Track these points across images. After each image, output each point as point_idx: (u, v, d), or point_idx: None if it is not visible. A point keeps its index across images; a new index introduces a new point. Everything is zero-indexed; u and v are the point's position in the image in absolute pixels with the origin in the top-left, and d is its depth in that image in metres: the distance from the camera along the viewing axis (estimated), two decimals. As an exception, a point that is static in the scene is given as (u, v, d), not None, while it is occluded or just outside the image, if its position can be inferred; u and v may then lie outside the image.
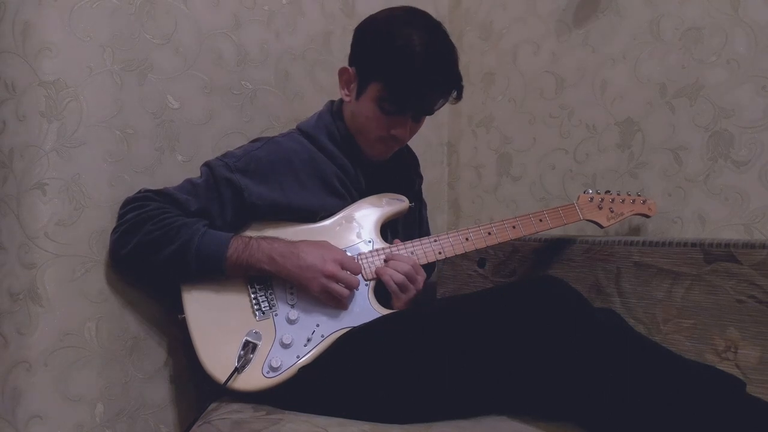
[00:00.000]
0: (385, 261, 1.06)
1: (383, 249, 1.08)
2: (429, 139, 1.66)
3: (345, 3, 1.47)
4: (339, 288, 1.00)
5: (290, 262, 0.99)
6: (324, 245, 1.03)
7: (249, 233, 1.04)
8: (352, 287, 1.02)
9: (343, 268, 1.01)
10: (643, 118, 1.29)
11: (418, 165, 1.29)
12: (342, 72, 1.10)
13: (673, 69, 1.24)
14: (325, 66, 1.43)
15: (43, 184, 0.98)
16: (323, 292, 1.00)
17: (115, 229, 1.02)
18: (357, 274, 1.03)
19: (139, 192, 1.04)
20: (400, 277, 1.04)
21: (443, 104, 1.08)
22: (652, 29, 1.28)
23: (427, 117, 1.12)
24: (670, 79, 1.25)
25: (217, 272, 0.99)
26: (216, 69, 1.23)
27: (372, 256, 1.07)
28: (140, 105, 1.11)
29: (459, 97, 1.08)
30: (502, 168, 1.57)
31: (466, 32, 1.65)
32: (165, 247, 0.97)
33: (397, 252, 1.08)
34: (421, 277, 1.07)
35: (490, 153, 1.60)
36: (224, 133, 1.24)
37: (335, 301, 1.01)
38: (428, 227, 1.34)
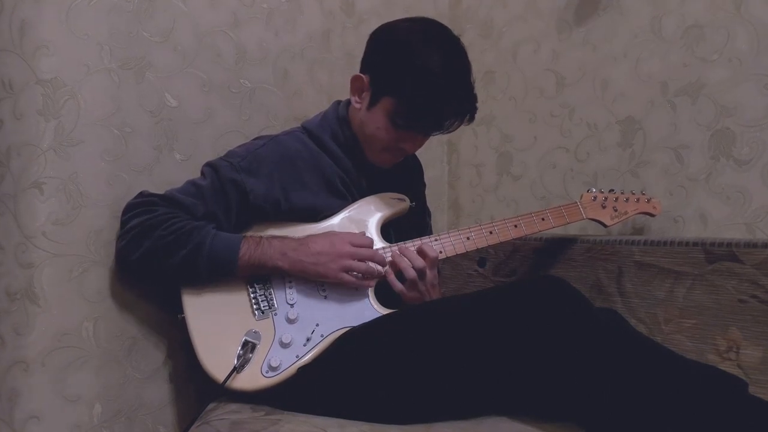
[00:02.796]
0: (418, 251, 1.06)
1: (384, 248, 1.08)
2: (429, 139, 1.65)
3: (344, 1, 1.46)
4: (357, 264, 1.00)
5: (302, 253, 0.99)
6: (331, 233, 1.04)
7: (251, 234, 1.04)
8: (369, 259, 1.02)
9: (354, 245, 1.02)
10: (645, 116, 1.29)
11: (422, 172, 1.29)
12: (355, 79, 1.08)
13: (674, 67, 1.24)
14: (324, 64, 1.42)
15: (41, 183, 0.97)
16: (342, 271, 1.00)
17: (122, 235, 1.01)
18: (370, 247, 1.03)
19: (141, 196, 1.03)
20: (412, 273, 1.03)
21: (458, 126, 1.07)
22: (653, 27, 1.27)
23: None
24: (672, 77, 1.24)
25: (229, 274, 0.99)
26: (215, 67, 1.22)
27: (372, 256, 1.06)
28: (138, 103, 1.10)
29: (472, 119, 1.08)
30: (503, 167, 1.57)
31: (466, 30, 1.64)
32: (176, 252, 0.97)
33: (429, 242, 1.07)
34: (432, 274, 1.06)
35: (491, 152, 1.60)
36: (223, 131, 1.23)
37: (358, 280, 1.01)
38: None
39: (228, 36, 1.25)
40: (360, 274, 1.02)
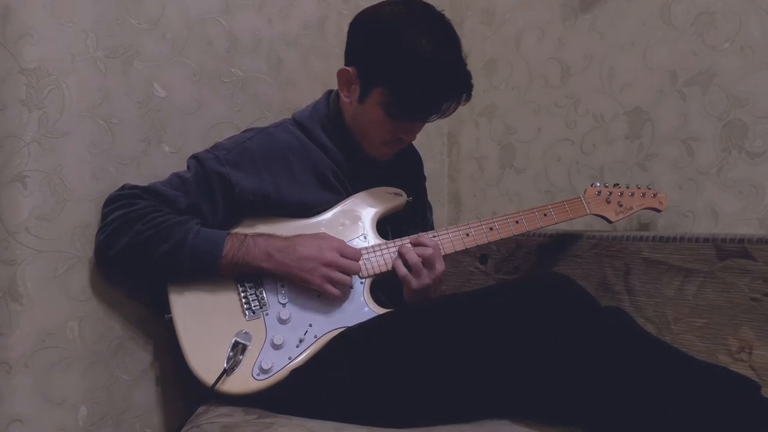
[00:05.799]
0: (417, 242, 1.03)
1: (380, 245, 1.05)
2: (428, 130, 1.63)
3: (341, -12, 1.45)
4: (340, 276, 0.98)
5: (287, 255, 0.97)
6: (321, 236, 1.02)
7: (240, 230, 1.02)
8: (353, 274, 1.00)
9: (343, 255, 0.99)
10: (653, 107, 1.27)
11: (421, 164, 1.26)
12: (341, 73, 1.05)
13: (684, 56, 1.22)
14: (319, 53, 1.40)
15: (24, 176, 0.96)
16: (325, 281, 0.97)
17: (101, 228, 0.99)
18: (357, 260, 1.01)
19: (123, 189, 1.01)
20: (414, 258, 1.00)
21: (455, 108, 1.04)
22: (662, 14, 1.25)
23: None
24: (682, 66, 1.22)
25: (212, 272, 0.97)
26: (205, 56, 1.21)
27: (368, 253, 1.04)
28: (125, 93, 1.09)
29: (468, 98, 1.05)
30: (505, 160, 1.55)
31: (467, 17, 1.62)
32: (157, 247, 0.95)
33: (424, 237, 1.04)
34: (440, 265, 1.02)
35: (493, 144, 1.58)
36: (213, 122, 1.22)
37: (338, 290, 0.98)
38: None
39: (219, 23, 1.23)
40: (336, 289, 0.99)
